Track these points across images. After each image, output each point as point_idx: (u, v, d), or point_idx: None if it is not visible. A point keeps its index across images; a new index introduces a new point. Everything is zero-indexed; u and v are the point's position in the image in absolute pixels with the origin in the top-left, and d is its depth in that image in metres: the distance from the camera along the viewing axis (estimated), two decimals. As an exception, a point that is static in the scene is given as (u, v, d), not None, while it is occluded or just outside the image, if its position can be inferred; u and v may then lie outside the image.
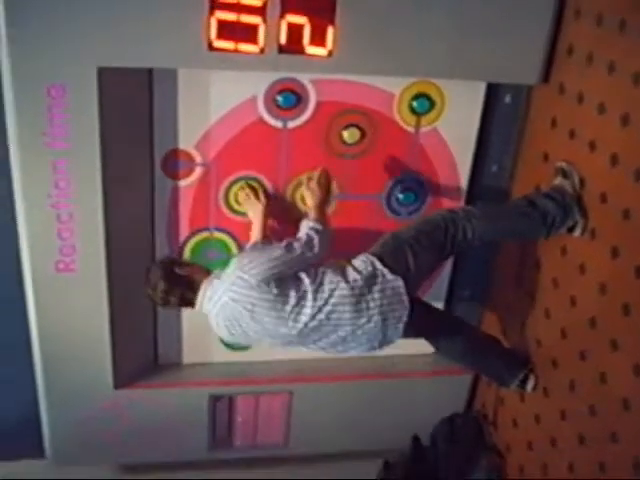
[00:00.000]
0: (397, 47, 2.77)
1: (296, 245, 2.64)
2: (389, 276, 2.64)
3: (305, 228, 2.75)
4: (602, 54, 2.65)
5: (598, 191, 2.69)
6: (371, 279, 2.63)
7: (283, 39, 2.68)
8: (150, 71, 2.79)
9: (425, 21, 2.74)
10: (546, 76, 2.94)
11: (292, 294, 2.57)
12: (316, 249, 2.66)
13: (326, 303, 2.58)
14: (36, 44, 2.51)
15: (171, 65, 2.74)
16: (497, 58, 2.86)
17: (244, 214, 3.16)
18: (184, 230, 3.18)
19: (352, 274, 2.64)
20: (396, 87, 3.02)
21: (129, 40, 2.57)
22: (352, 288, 2.60)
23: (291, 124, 3.02)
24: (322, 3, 2.65)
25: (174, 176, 3.05)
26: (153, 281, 2.64)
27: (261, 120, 2.98)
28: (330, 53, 2.73)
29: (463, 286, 3.56)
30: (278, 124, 3.01)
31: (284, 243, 2.66)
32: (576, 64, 2.80)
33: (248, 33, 2.65)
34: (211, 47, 2.63)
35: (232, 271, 2.59)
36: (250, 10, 2.62)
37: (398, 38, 2.75)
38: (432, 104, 3.08)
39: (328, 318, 2.58)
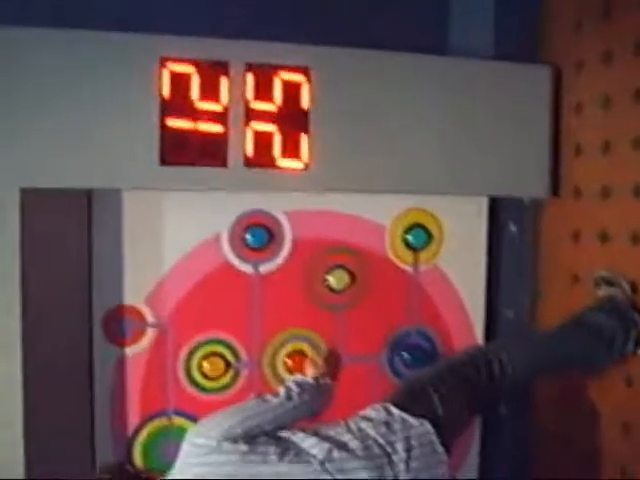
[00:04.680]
0: (384, 160, 2.45)
1: (269, 396, 1.98)
2: (412, 421, 1.98)
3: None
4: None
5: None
6: (387, 427, 1.97)
7: (249, 151, 2.32)
8: (89, 193, 2.30)
9: (415, 130, 2.47)
10: (556, 186, 2.59)
11: (272, 450, 1.85)
12: (296, 400, 1.98)
13: (328, 459, 1.85)
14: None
15: (113, 185, 2.28)
16: (499, 176, 2.58)
17: (212, 391, 2.49)
18: (134, 416, 2.48)
19: (358, 423, 1.99)
20: (386, 217, 2.66)
21: (60, 155, 2.16)
22: (361, 439, 1.91)
23: (264, 268, 2.56)
24: (294, 108, 2.34)
25: (119, 342, 2.44)
26: None
27: (227, 264, 2.53)
28: (306, 167, 2.37)
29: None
30: (248, 269, 2.54)
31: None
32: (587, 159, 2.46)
33: (207, 144, 2.29)
34: (163, 162, 2.24)
35: (183, 445, 1.90)
36: (209, 116, 2.28)
37: (385, 150, 2.44)
38: (429, 236, 2.69)
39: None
